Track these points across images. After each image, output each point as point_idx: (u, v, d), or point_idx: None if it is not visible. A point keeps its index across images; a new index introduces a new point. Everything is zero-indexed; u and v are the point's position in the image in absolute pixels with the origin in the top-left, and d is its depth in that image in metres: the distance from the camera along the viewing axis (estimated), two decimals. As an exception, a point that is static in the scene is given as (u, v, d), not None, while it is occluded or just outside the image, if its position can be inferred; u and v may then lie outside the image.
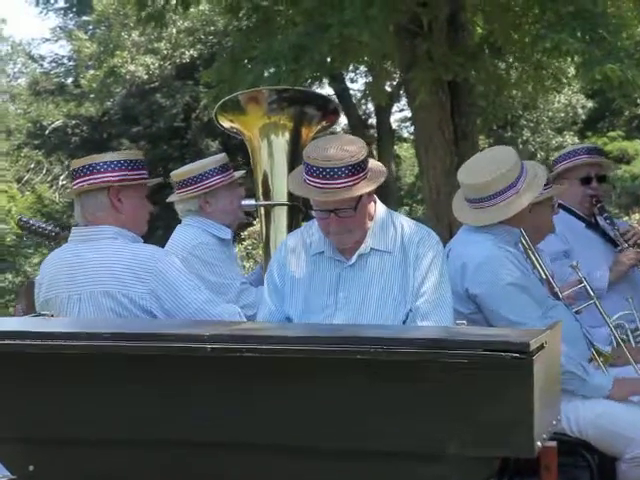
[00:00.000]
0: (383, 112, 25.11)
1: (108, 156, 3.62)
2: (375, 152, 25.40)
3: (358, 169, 3.20)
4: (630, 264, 4.64)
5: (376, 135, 26.55)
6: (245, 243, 19.18)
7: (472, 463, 2.32)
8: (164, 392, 2.42)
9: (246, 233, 18.58)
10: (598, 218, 4.84)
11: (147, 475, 2.48)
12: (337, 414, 2.35)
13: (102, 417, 2.46)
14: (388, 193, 24.62)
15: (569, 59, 10.20)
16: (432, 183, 10.60)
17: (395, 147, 28.81)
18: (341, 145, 3.22)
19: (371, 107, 27.14)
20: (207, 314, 3.46)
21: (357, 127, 25.55)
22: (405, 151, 29.73)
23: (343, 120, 28.29)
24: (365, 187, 3.23)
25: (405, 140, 29.07)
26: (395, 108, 26.36)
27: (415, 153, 12.66)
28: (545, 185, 4.09)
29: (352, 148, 3.22)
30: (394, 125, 27.98)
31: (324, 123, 4.58)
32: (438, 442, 2.30)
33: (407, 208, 29.74)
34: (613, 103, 14.95)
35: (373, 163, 3.33)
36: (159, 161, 22.11)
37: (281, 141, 4.52)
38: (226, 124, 4.65)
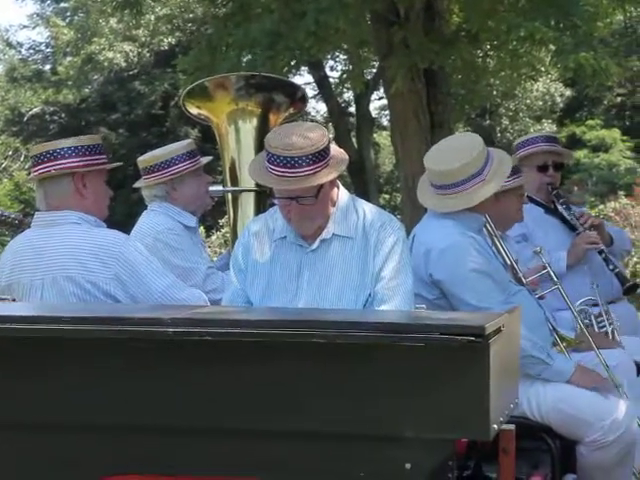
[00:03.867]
0: (362, 100, 25.09)
1: (70, 141, 3.62)
2: (354, 140, 25.40)
3: (319, 157, 3.21)
4: (586, 247, 4.69)
5: (355, 123, 26.54)
6: (224, 230, 19.18)
7: (428, 446, 2.34)
8: (126, 376, 2.43)
9: (224, 220, 18.57)
10: (558, 206, 4.88)
11: (110, 459, 2.48)
12: (295, 397, 2.36)
13: (63, 401, 2.46)
14: (367, 181, 24.65)
15: (544, 47, 10.26)
16: (408, 171, 10.62)
17: (374, 135, 28.81)
18: (303, 132, 3.23)
19: (350, 95, 27.11)
20: (172, 298, 3.47)
21: (336, 115, 25.54)
22: (384, 139, 29.73)
23: (322, 108, 28.31)
24: (326, 175, 3.24)
25: (384, 128, 29.07)
26: (375, 96, 26.34)
27: (391, 141, 12.66)
28: (515, 174, 4.12)
29: (314, 135, 3.22)
30: (373, 113, 27.98)
31: (292, 110, 4.58)
32: (395, 425, 2.32)
33: (386, 196, 29.76)
34: (591, 92, 15.03)
35: (335, 150, 3.34)
36: (137, 148, 22.05)
37: (249, 127, 4.52)
38: (193, 110, 4.65)
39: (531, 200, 4.82)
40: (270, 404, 2.38)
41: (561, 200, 4.89)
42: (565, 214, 4.86)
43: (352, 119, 26.93)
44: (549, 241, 4.65)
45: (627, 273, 6.26)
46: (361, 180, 24.10)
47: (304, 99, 4.71)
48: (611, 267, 4.70)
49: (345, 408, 2.34)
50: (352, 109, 27.71)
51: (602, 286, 4.61)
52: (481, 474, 3.63)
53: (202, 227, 23.16)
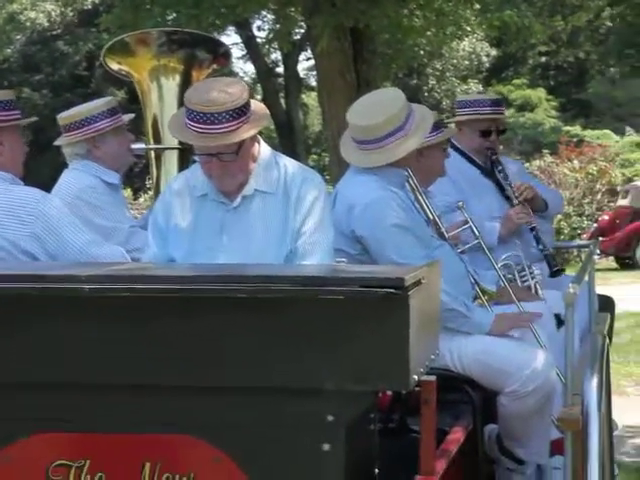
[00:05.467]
0: (290, 60, 25.00)
1: None
2: (283, 101, 25.32)
3: (240, 113, 3.18)
4: (519, 222, 4.68)
5: (283, 84, 26.44)
6: (151, 192, 19.06)
7: (349, 397, 2.36)
8: (42, 333, 2.40)
9: (152, 182, 18.46)
10: (495, 170, 4.88)
11: (30, 418, 2.46)
12: (217, 352, 2.36)
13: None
14: (296, 142, 24.63)
15: (469, 6, 10.33)
16: (335, 130, 10.63)
17: (303, 96, 28.76)
18: (223, 88, 3.20)
19: (278, 55, 26.99)
20: (91, 256, 3.44)
21: (264, 75, 25.41)
22: (313, 100, 29.72)
23: (250, 68, 28.15)
24: (247, 131, 3.22)
25: (313, 89, 29.04)
26: (302, 56, 26.27)
27: (318, 100, 12.65)
28: (438, 129, 4.14)
29: (234, 91, 3.20)
30: (301, 73, 27.91)
31: (215, 66, 4.55)
32: (315, 377, 2.33)
33: (315, 157, 29.80)
34: (513, 49, 15.17)
35: (256, 105, 3.32)
36: (62, 109, 21.64)
37: (171, 84, 4.48)
38: (114, 66, 4.59)
39: (469, 160, 4.84)
40: (192, 360, 2.37)
41: (499, 168, 4.85)
42: (502, 182, 4.83)
43: (280, 80, 26.83)
44: (482, 208, 4.65)
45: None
46: (290, 141, 24.07)
47: (227, 55, 4.68)
48: (541, 247, 4.70)
49: (266, 362, 2.34)
50: (280, 70, 27.59)
51: (528, 247, 4.66)
52: (405, 426, 3.68)
53: (130, 189, 22.99)
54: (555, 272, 4.71)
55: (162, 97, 4.50)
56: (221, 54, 4.61)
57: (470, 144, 4.84)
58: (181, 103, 4.25)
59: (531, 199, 4.81)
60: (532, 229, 4.71)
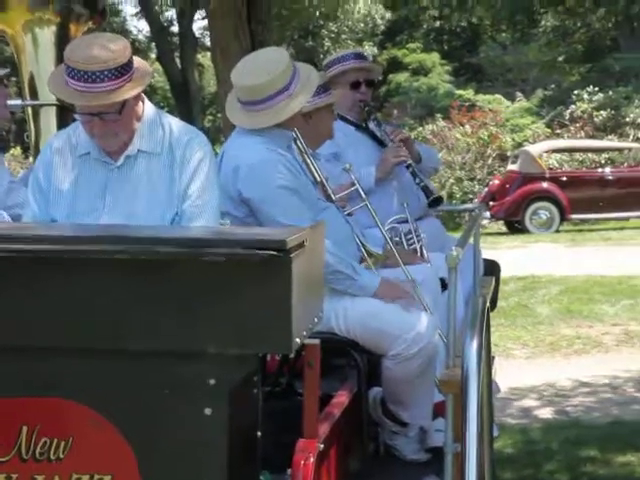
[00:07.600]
0: (185, 19, 24.69)
1: None
2: (178, 60, 25.01)
3: (122, 72, 3.11)
4: (394, 161, 4.75)
5: (178, 43, 26.11)
6: (41, 152, 18.65)
7: (231, 361, 2.34)
8: None
9: (30, 140, 18.02)
10: (369, 123, 4.93)
11: None
12: (97, 314, 2.32)
13: None
14: (191, 102, 24.39)
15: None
16: (228, 91, 10.51)
17: (199, 56, 28.46)
18: (104, 44, 3.12)
19: (173, 14, 26.60)
20: None
21: (159, 34, 25.04)
22: (209, 60, 29.42)
23: (145, 27, 27.69)
24: (130, 90, 3.15)
25: (208, 48, 28.76)
26: (198, 15, 25.94)
27: (212, 60, 12.51)
28: (326, 90, 4.13)
29: (116, 47, 3.13)
30: (197, 33, 27.58)
31: (91, 24, 4.43)
32: (197, 341, 2.31)
33: (211, 117, 29.56)
34: (408, 15, 15.24)
35: (139, 62, 3.25)
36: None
37: (48, 38, 4.34)
38: None
39: (342, 119, 4.84)
40: (73, 322, 2.32)
41: (372, 117, 4.93)
42: (376, 130, 4.91)
43: (176, 39, 26.48)
44: (359, 158, 4.69)
45: (442, 193, 6.38)
46: (185, 101, 23.82)
47: (104, 13, 4.56)
48: (417, 181, 4.79)
49: (148, 325, 2.31)
50: (175, 29, 27.21)
51: (410, 203, 4.70)
52: (292, 390, 3.69)
53: (20, 149, 22.46)
54: (432, 201, 4.80)
55: (38, 51, 4.36)
56: (99, 12, 4.48)
57: (343, 101, 4.82)
58: (59, 58, 4.14)
59: (406, 142, 4.88)
60: (408, 166, 4.79)
